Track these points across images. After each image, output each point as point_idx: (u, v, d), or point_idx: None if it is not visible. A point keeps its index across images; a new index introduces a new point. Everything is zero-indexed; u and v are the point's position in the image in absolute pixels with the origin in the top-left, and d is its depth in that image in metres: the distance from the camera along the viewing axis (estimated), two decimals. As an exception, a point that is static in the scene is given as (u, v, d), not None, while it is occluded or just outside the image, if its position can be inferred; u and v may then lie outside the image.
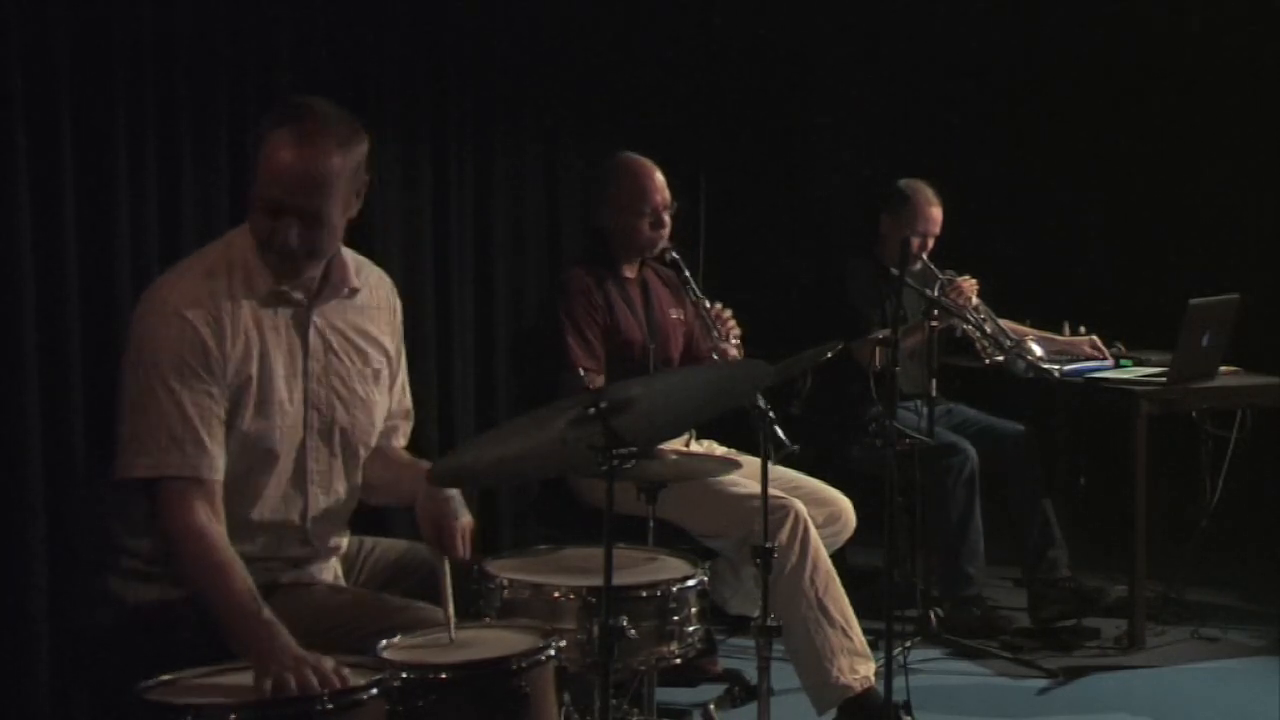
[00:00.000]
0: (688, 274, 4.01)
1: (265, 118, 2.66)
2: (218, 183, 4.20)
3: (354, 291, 2.78)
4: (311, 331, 2.73)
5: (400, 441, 2.99)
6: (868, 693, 3.67)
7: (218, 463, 2.57)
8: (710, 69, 5.65)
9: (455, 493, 2.75)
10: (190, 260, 2.73)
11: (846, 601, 3.75)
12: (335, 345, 2.76)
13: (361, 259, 2.90)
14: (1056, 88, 6.18)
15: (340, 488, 2.80)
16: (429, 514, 2.72)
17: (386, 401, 2.88)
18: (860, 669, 3.68)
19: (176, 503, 2.52)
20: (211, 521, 2.53)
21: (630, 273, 4.09)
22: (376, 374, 2.83)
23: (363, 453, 2.83)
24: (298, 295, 2.70)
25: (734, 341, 3.97)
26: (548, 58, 5.17)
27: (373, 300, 2.86)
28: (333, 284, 2.74)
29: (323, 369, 2.74)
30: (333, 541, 2.84)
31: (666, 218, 4.02)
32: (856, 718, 3.67)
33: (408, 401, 2.99)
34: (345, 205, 2.65)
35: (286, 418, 2.68)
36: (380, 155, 4.70)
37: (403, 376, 2.96)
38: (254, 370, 2.64)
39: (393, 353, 2.90)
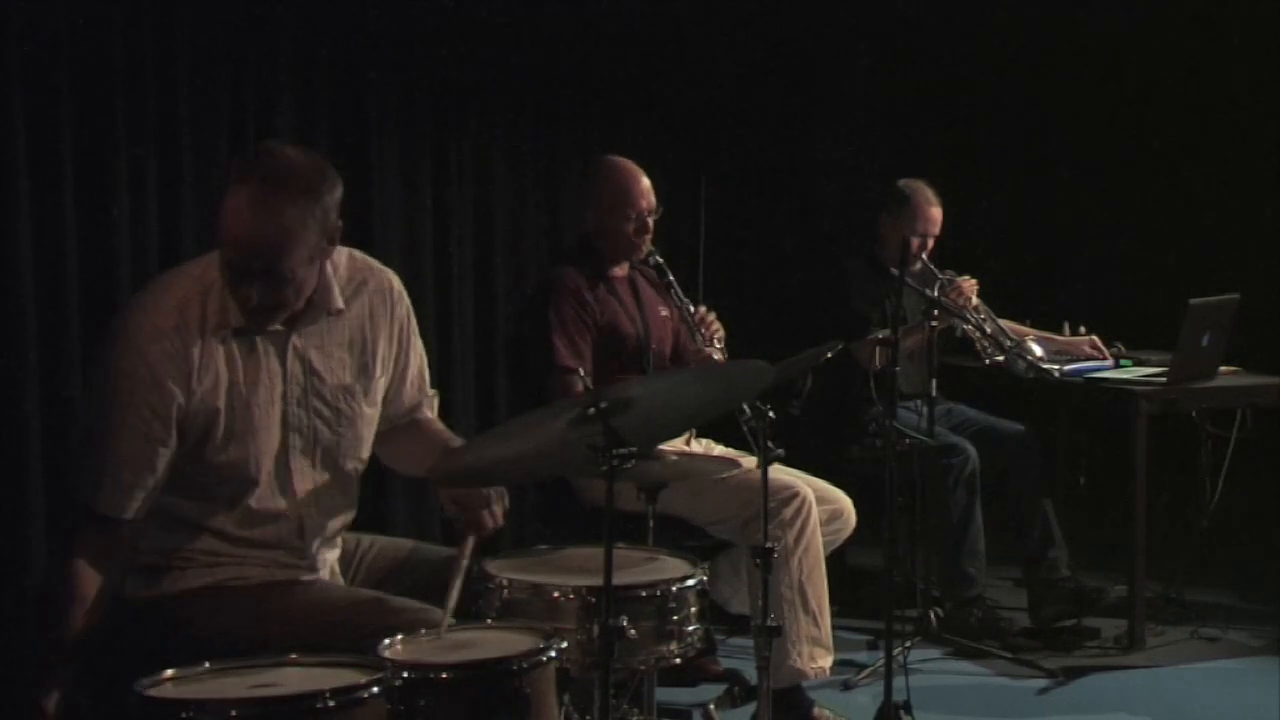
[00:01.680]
0: (671, 278, 4.02)
1: (234, 164, 2.64)
2: (218, 183, 4.20)
3: (339, 312, 2.75)
4: (290, 355, 2.70)
5: (430, 414, 2.99)
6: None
7: (132, 505, 2.58)
8: (710, 71, 5.66)
9: None
10: (167, 280, 2.70)
11: (826, 593, 3.83)
12: (317, 365, 2.73)
13: (363, 261, 2.86)
14: (1056, 87, 6.18)
15: (334, 505, 2.80)
16: (450, 499, 2.72)
17: (377, 411, 2.86)
18: (819, 659, 3.80)
19: (78, 532, 2.58)
20: (96, 561, 2.55)
21: (620, 272, 4.10)
22: (367, 387, 2.81)
23: (351, 466, 2.82)
24: (273, 326, 2.68)
25: (717, 344, 3.98)
26: (547, 58, 5.17)
27: (368, 309, 2.82)
28: (314, 308, 2.71)
29: (303, 391, 2.72)
30: (330, 554, 2.84)
31: (651, 222, 4.02)
32: (791, 705, 3.77)
33: (428, 386, 2.99)
34: (312, 254, 2.59)
35: (266, 443, 2.68)
36: (380, 156, 4.73)
37: (416, 367, 2.94)
38: (222, 402, 2.62)
39: (393, 355, 2.88)
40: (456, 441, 2.91)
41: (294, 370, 2.71)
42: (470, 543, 2.68)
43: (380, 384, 2.85)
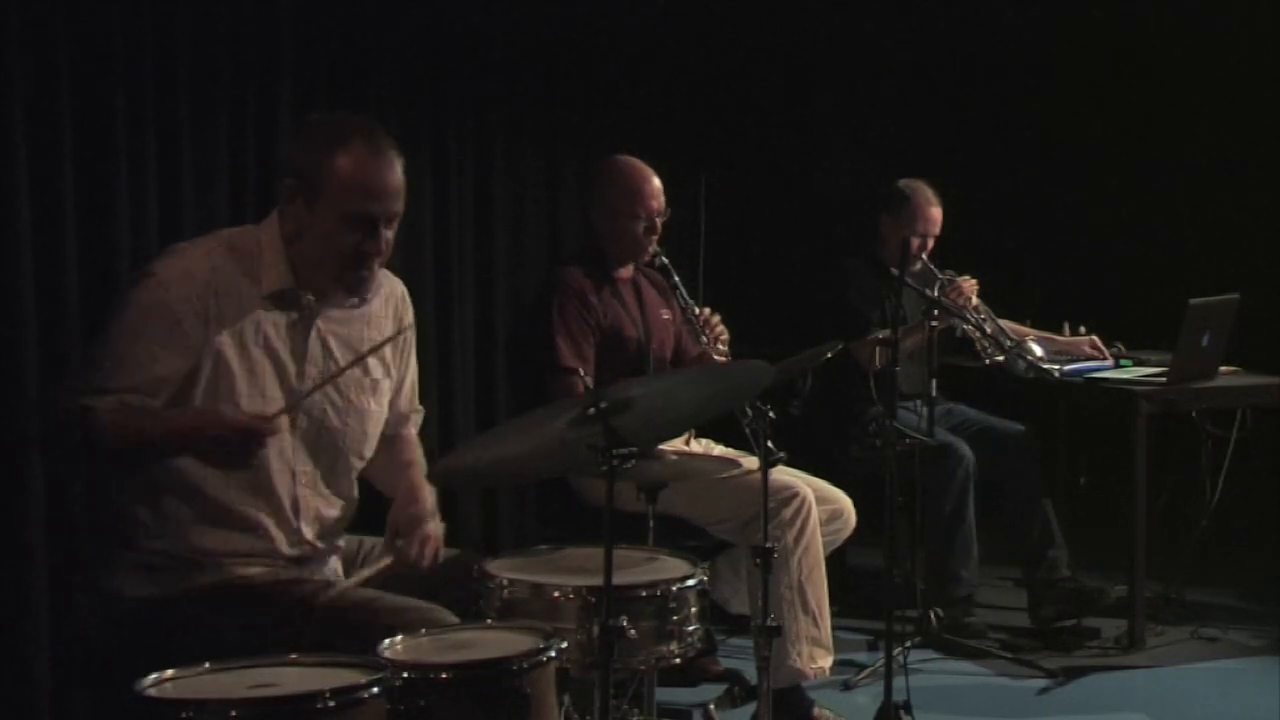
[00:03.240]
0: (676, 279, 4.01)
1: (314, 135, 2.68)
2: (218, 182, 4.20)
3: (363, 301, 2.79)
4: (313, 336, 2.74)
5: (412, 431, 3.04)
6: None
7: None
8: (710, 69, 5.65)
9: (429, 504, 2.83)
10: (206, 240, 2.76)
11: (825, 593, 3.84)
12: (337, 353, 2.77)
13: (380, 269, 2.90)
14: (1056, 87, 6.18)
15: (328, 491, 2.80)
16: (394, 520, 2.80)
17: (384, 412, 2.89)
18: (819, 660, 3.82)
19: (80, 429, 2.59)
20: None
21: (624, 274, 4.10)
22: (375, 385, 2.84)
23: (354, 461, 2.84)
24: (308, 298, 2.70)
25: (721, 347, 3.98)
26: (548, 58, 5.17)
27: (382, 310, 2.87)
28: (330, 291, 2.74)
29: (319, 374, 2.74)
30: (327, 543, 2.84)
31: (659, 224, 4.02)
32: (791, 706, 3.78)
33: (415, 399, 3.05)
34: None
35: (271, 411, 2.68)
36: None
37: (411, 379, 3.00)
38: (235, 356, 2.64)
39: (396, 362, 2.91)
40: (421, 466, 2.96)
41: (314, 352, 2.73)
42: (385, 563, 2.74)
43: (385, 385, 2.88)
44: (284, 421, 2.65)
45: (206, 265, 2.66)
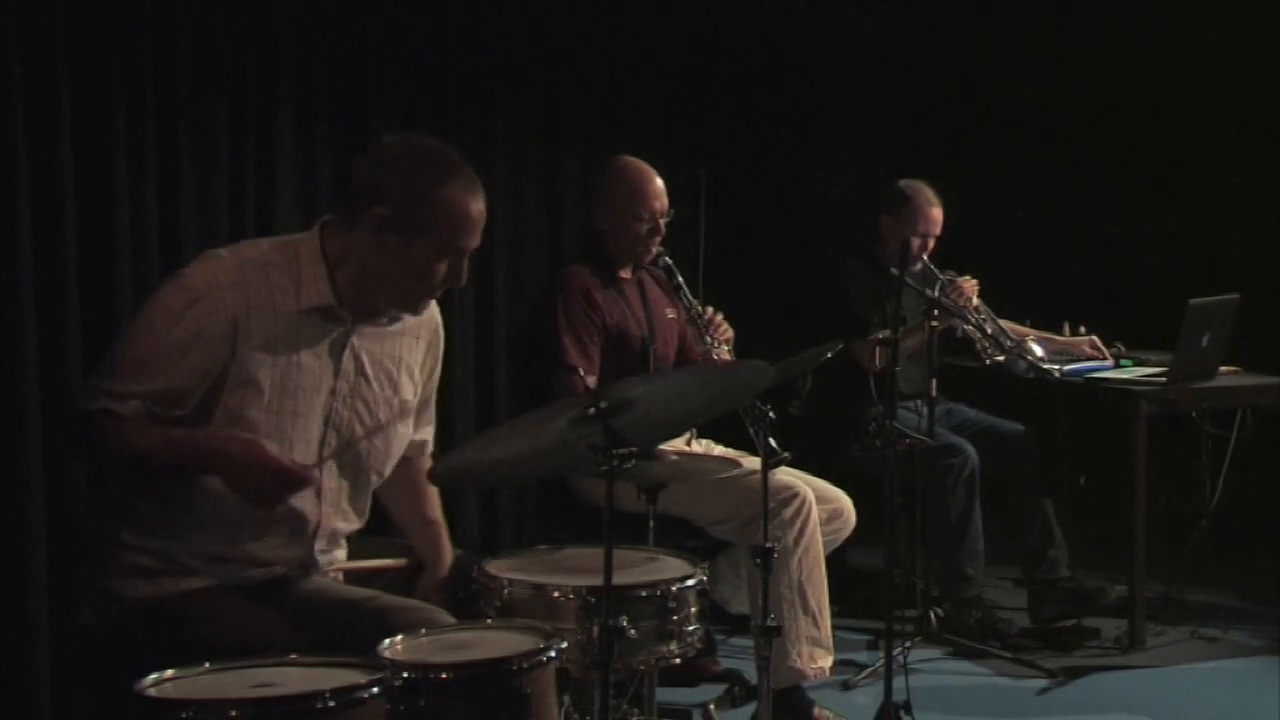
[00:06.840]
0: (680, 280, 4.01)
1: (406, 166, 2.64)
2: (218, 183, 4.20)
3: (395, 319, 2.78)
4: (347, 353, 2.72)
5: (427, 456, 3.01)
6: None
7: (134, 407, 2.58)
8: (710, 69, 5.66)
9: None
10: (244, 248, 2.73)
11: (825, 593, 3.85)
12: (368, 370, 2.75)
13: None
14: (1056, 88, 6.18)
15: (349, 508, 2.80)
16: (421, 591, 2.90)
17: (409, 433, 2.88)
18: (819, 660, 3.82)
19: (101, 430, 2.56)
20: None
21: (626, 274, 4.10)
22: (404, 404, 2.83)
23: (374, 479, 2.83)
24: (345, 314, 2.69)
25: (726, 347, 3.98)
26: (547, 57, 5.17)
27: (410, 327, 2.85)
28: (378, 311, 2.74)
29: (351, 390, 2.73)
30: (333, 556, 2.84)
31: (662, 224, 4.02)
32: (791, 706, 3.79)
33: (431, 413, 3.03)
34: None
35: (305, 431, 2.67)
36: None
37: (432, 401, 2.99)
38: (266, 373, 2.61)
39: (420, 384, 2.90)
40: (428, 493, 2.98)
41: (347, 368, 2.72)
42: (406, 564, 2.89)
43: (411, 406, 2.87)
44: (317, 474, 2.63)
45: (240, 278, 2.61)
